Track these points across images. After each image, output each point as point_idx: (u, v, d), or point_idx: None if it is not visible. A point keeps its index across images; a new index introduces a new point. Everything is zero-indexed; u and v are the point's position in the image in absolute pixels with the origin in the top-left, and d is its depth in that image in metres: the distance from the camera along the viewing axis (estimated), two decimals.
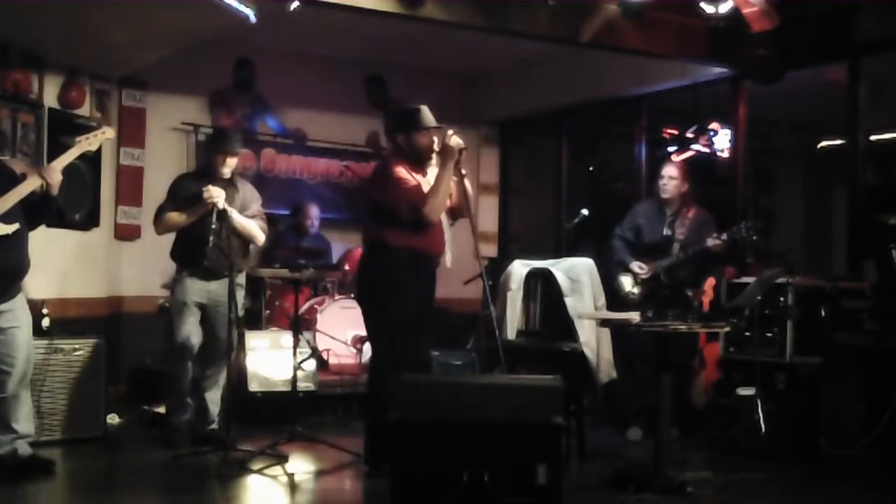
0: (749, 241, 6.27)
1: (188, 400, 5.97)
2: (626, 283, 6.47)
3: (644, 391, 6.14)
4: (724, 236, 6.17)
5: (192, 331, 5.81)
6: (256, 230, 5.89)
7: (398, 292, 5.01)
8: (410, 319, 5.03)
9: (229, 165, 5.84)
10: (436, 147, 5.11)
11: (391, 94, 9.11)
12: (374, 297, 5.14)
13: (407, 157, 5.13)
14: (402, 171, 5.05)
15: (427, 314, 5.20)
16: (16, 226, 4.83)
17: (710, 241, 6.19)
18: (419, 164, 5.14)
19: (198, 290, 5.80)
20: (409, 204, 4.97)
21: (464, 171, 5.10)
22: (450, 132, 5.01)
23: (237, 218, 5.78)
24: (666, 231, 6.44)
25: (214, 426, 5.92)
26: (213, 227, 5.59)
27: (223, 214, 5.66)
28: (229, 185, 5.84)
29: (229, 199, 5.73)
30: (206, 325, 5.87)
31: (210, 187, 5.68)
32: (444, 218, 5.17)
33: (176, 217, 5.75)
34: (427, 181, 5.09)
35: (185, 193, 5.78)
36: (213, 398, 5.93)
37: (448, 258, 5.22)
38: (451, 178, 5.03)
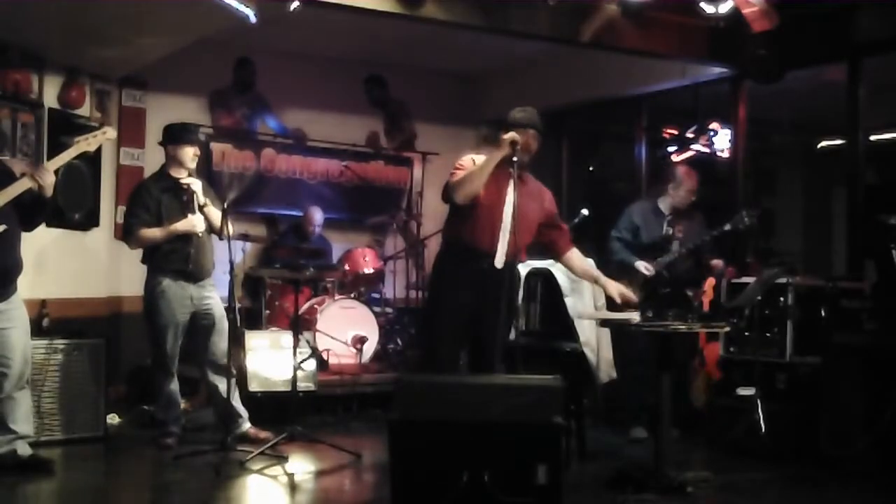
0: (751, 230, 6.32)
1: (182, 405, 5.95)
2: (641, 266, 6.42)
3: (644, 391, 6.16)
4: (728, 227, 6.23)
5: (176, 343, 5.73)
6: (226, 224, 5.61)
7: (444, 286, 4.92)
8: (453, 317, 4.86)
9: (195, 158, 5.78)
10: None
11: (391, 94, 9.11)
12: (429, 288, 5.24)
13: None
14: (466, 159, 4.93)
15: (480, 316, 4.85)
16: (2, 227, 4.80)
17: (712, 234, 6.30)
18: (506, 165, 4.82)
19: (181, 299, 5.67)
20: (451, 182, 4.83)
21: (515, 159, 4.73)
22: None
23: (212, 212, 5.72)
24: (665, 230, 6.45)
25: (248, 425, 5.87)
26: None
27: (204, 210, 5.65)
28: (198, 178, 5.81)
29: (204, 192, 5.72)
30: (199, 338, 5.78)
31: (191, 178, 5.66)
32: (507, 217, 4.86)
33: (156, 233, 5.61)
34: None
35: (153, 202, 5.65)
36: (236, 397, 5.90)
37: (499, 258, 4.88)
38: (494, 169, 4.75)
